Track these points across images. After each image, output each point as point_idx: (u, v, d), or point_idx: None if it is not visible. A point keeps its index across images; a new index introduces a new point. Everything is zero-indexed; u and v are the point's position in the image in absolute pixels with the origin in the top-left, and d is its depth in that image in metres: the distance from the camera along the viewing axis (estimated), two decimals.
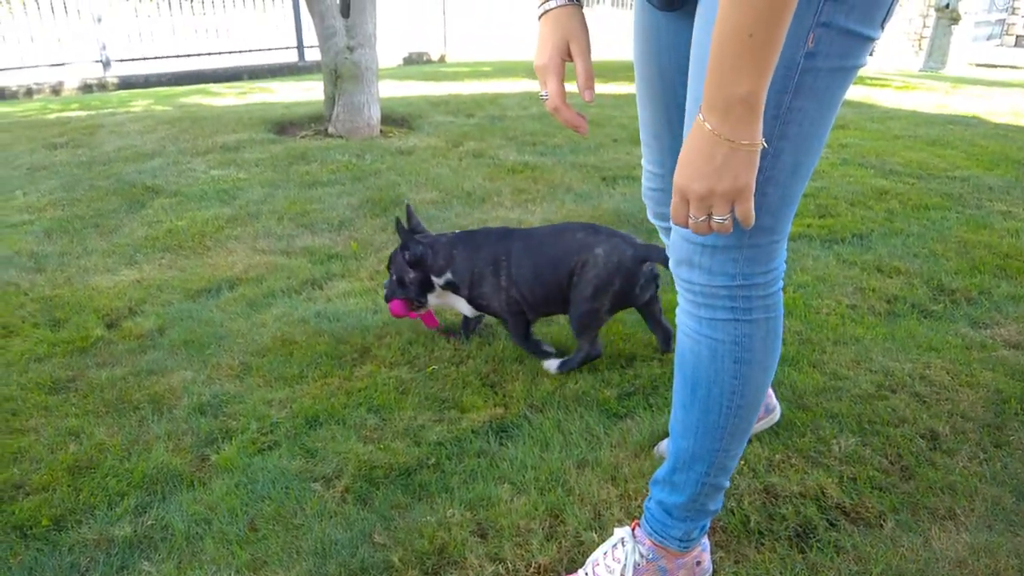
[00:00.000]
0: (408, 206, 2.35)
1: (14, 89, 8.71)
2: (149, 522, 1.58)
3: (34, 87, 8.86)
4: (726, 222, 0.97)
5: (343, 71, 5.02)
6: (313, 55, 10.86)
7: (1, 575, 1.45)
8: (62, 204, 3.73)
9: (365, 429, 1.90)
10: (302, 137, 5.23)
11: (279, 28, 11.02)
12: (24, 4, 9.67)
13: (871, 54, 1.08)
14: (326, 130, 5.26)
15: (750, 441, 1.79)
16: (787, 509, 1.58)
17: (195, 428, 1.90)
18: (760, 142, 0.94)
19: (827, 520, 1.56)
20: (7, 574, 1.45)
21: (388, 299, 2.31)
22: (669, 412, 1.93)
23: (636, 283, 2.08)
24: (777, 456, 1.75)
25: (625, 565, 1.35)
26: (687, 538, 1.32)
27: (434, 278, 2.24)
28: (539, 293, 2.15)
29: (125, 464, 1.76)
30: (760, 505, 1.59)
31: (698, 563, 1.38)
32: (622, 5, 15.58)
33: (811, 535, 1.52)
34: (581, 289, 2.08)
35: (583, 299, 2.09)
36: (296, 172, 4.28)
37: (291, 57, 10.90)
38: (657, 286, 2.16)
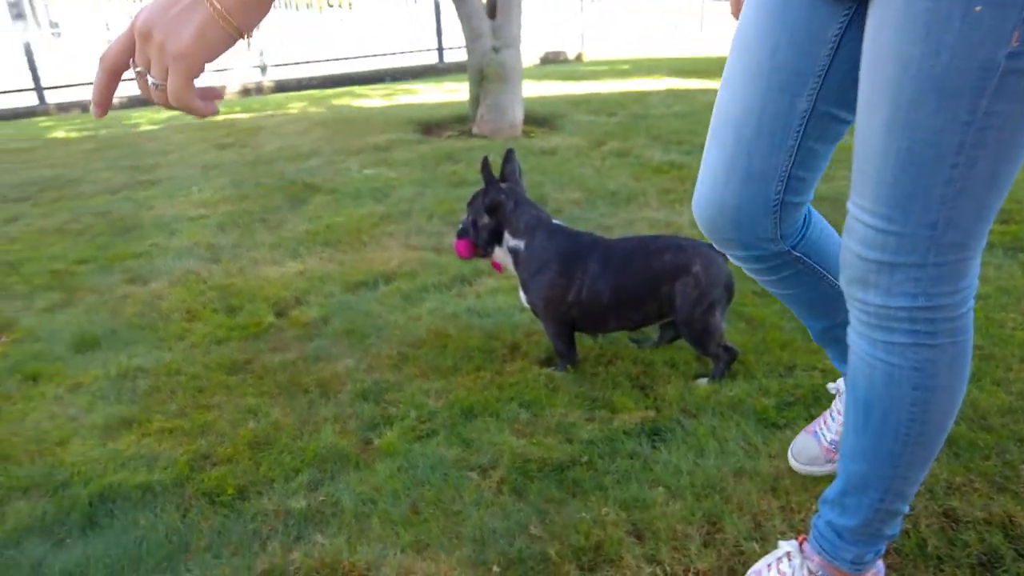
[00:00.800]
0: (509, 151, 2.29)
1: None
2: (320, 498, 1.68)
3: None
4: (159, 89, 0.76)
5: (489, 72, 5.12)
6: (452, 56, 11.15)
7: (194, 536, 1.57)
8: (232, 200, 4.02)
9: (518, 423, 1.93)
10: (447, 137, 5.38)
11: (420, 31, 11.36)
12: None
13: None
14: (470, 130, 5.38)
15: None
16: (969, 535, 1.48)
17: (359, 413, 1.99)
18: (244, 36, 0.76)
19: (1015, 550, 1.44)
20: (199, 535, 1.58)
21: (458, 236, 2.27)
22: None
23: (733, 284, 2.10)
24: (958, 479, 1.63)
25: None
26: (859, 561, 1.25)
27: (507, 234, 2.19)
28: (612, 316, 2.12)
29: (298, 442, 1.87)
30: (939, 529, 1.50)
31: None
32: None
33: (997, 564, 1.41)
34: (690, 310, 2.06)
35: (696, 319, 2.06)
36: (443, 172, 4.41)
37: (432, 59, 11.23)
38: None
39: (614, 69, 9.65)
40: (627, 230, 3.30)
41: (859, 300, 1.08)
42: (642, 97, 6.83)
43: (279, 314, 2.62)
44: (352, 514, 1.62)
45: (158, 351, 2.36)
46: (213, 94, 0.82)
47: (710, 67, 9.14)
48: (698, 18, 13.30)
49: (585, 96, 7.12)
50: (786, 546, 1.35)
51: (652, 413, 1.97)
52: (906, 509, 1.22)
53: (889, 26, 0.94)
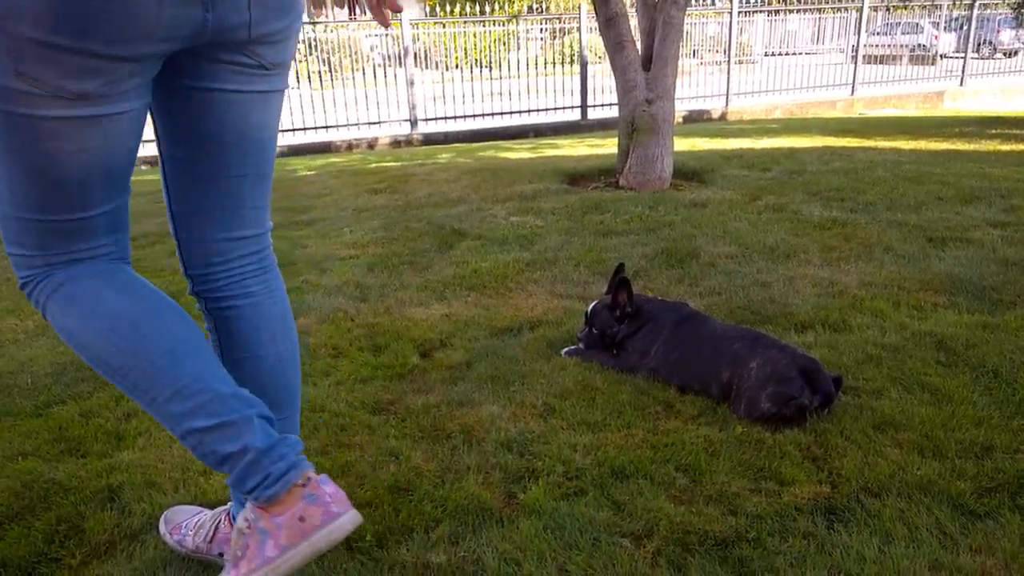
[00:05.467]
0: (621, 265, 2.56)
1: (339, 143, 10.03)
2: (461, 553, 1.57)
3: (354, 142, 10.13)
4: None
5: (640, 124, 5.04)
6: (595, 114, 11.22)
7: None
8: (382, 242, 4.09)
9: (674, 488, 1.76)
10: (593, 188, 5.31)
11: (564, 91, 11.50)
12: (352, 72, 11.11)
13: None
14: (617, 182, 5.30)
15: None
16: None
17: (503, 464, 1.88)
18: None
19: None
20: None
21: (588, 348, 2.51)
22: None
23: (790, 389, 2.02)
24: None
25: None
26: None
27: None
28: (677, 378, 2.28)
29: (439, 491, 1.78)
30: None
31: (301, 518, 1.20)
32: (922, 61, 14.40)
33: None
34: (736, 406, 2.11)
35: (746, 413, 2.08)
36: (590, 221, 4.33)
37: (574, 116, 11.34)
38: (826, 400, 2.07)
39: (762, 128, 9.36)
40: (787, 288, 3.07)
41: None
42: (795, 154, 6.53)
43: (423, 355, 2.58)
44: (495, 574, 1.50)
45: (304, 386, 2.32)
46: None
47: (863, 127, 8.70)
48: (848, 82, 12.84)
49: (736, 151, 6.90)
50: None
51: (827, 489, 1.76)
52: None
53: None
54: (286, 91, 1.33)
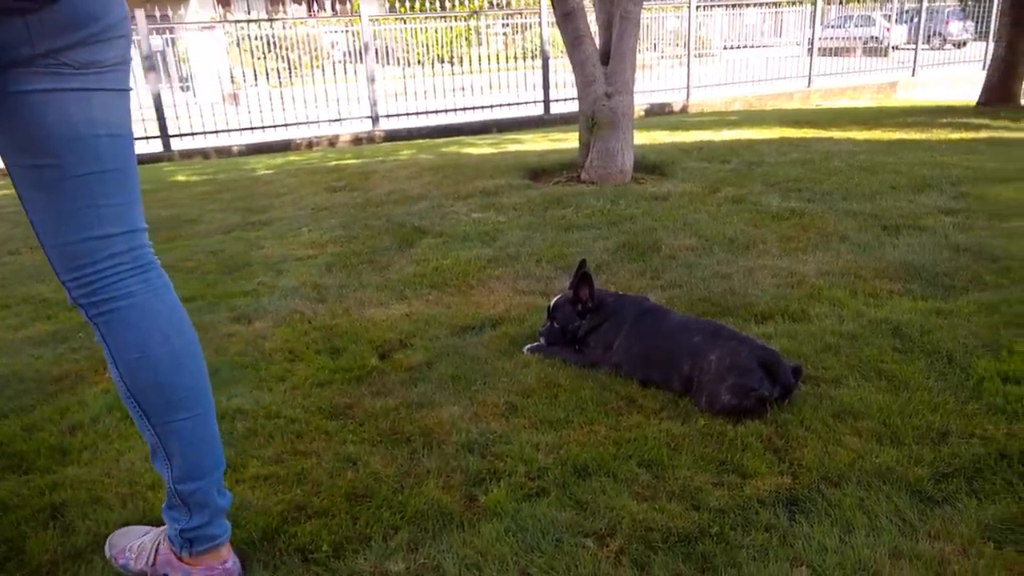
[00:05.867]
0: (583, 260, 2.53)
1: (298, 142, 9.89)
2: (421, 560, 1.54)
3: (314, 140, 9.99)
4: None
5: (600, 118, 5.03)
6: (557, 108, 11.21)
7: None
8: (341, 241, 4.03)
9: (637, 485, 1.75)
10: (555, 183, 5.30)
11: (526, 85, 11.49)
12: (311, 70, 10.97)
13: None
14: (578, 176, 5.29)
15: None
16: None
17: (464, 466, 1.85)
18: None
19: None
20: None
21: (549, 344, 2.49)
22: (999, 502, 1.63)
23: (750, 381, 2.02)
24: None
25: None
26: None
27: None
28: (639, 373, 2.27)
29: (398, 496, 1.74)
30: None
31: None
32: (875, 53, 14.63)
33: None
34: (698, 399, 2.11)
35: (707, 406, 2.08)
36: (552, 216, 4.31)
37: (537, 111, 11.33)
38: (785, 390, 2.07)
39: (722, 120, 9.44)
40: (747, 279, 3.09)
41: None
42: (754, 145, 6.59)
43: (383, 356, 2.53)
44: None
45: (258, 392, 2.30)
46: None
47: (820, 118, 8.80)
48: (805, 74, 13.03)
49: (696, 144, 6.93)
50: None
51: (788, 480, 1.76)
52: None
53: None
54: (124, 91, 1.32)
